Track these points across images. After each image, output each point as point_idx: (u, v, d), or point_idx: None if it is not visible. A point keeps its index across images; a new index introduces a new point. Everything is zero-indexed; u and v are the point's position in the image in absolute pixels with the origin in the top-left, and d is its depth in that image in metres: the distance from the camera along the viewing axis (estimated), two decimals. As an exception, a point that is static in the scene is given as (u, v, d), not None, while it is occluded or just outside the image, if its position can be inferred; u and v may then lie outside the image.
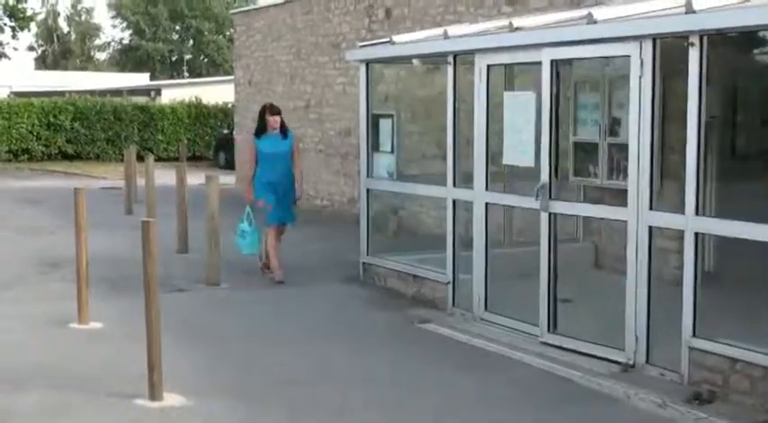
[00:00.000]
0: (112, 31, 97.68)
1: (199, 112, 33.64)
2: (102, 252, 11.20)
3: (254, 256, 10.91)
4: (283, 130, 10.69)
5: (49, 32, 73.61)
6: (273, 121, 10.58)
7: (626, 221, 7.09)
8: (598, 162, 10.07)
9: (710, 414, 6.07)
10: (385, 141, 10.48)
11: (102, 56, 78.49)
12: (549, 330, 7.72)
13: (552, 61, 7.66)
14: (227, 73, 48.25)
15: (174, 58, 74.02)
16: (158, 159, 25.62)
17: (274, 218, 10.63)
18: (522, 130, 8.17)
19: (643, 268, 6.93)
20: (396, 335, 8.27)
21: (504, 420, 6.17)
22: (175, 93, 36.85)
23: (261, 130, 10.67)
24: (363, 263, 10.63)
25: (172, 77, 66.71)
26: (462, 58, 8.97)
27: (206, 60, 73.15)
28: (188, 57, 74.13)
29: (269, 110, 10.70)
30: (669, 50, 7.01)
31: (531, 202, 8.27)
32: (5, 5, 39.11)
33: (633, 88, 6.95)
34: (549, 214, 7.73)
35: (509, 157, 8.50)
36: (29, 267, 11.41)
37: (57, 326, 8.31)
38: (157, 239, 6.35)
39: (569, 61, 8.25)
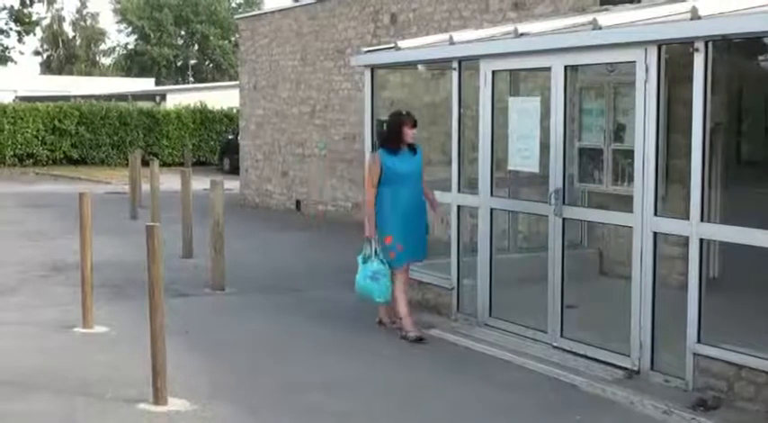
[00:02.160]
0: (118, 36, 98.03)
1: (204, 117, 33.73)
2: (106, 257, 11.22)
3: (387, 304, 8.58)
4: (412, 145, 8.55)
5: (54, 37, 73.75)
6: (411, 135, 8.41)
7: (631, 227, 7.09)
8: (603, 168, 10.07)
9: (715, 420, 6.05)
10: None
11: (107, 61, 78.64)
12: (560, 335, 7.72)
13: (566, 67, 7.67)
14: (232, 78, 48.41)
15: (179, 63, 74.13)
16: (163, 164, 25.70)
17: (404, 257, 8.43)
18: (528, 136, 8.18)
19: (648, 274, 6.92)
20: (400, 341, 8.26)
21: (509, 426, 6.17)
22: (180, 98, 36.95)
23: (393, 143, 8.43)
24: (368, 268, 10.59)
25: (177, 82, 66.82)
26: (467, 64, 8.97)
27: (211, 65, 73.27)
28: (193, 62, 74.23)
29: (408, 120, 8.43)
30: (675, 56, 7.01)
31: (536, 208, 8.28)
32: (11, 10, 39.23)
33: (638, 94, 6.95)
34: (563, 219, 7.74)
35: (514, 163, 8.51)
36: (33, 271, 11.43)
37: (61, 330, 8.32)
38: (162, 244, 6.36)
39: (575, 67, 8.24)
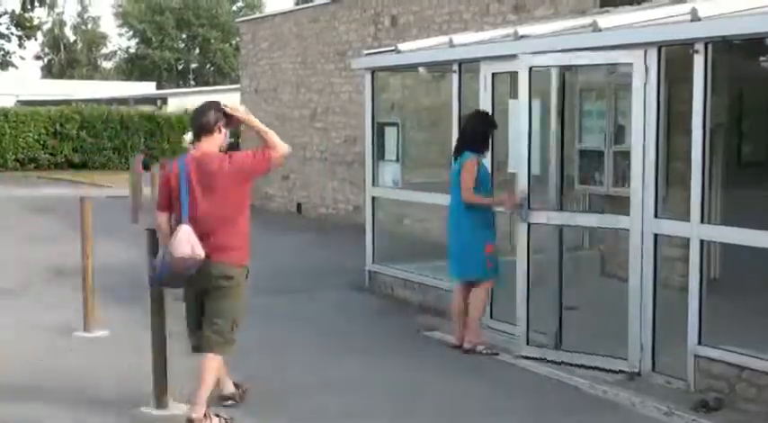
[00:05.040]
0: (119, 40, 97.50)
1: (205, 121, 33.68)
2: (108, 260, 11.20)
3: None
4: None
5: (55, 41, 73.77)
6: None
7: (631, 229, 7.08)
8: (604, 170, 10.07)
9: (717, 422, 6.05)
10: (390, 150, 10.48)
11: (108, 64, 78.69)
12: (559, 340, 7.70)
13: (560, 68, 7.66)
14: (233, 82, 48.32)
15: (180, 67, 74.13)
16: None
17: (498, 269, 7.96)
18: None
19: (648, 276, 6.92)
20: (401, 343, 8.27)
21: (510, 428, 6.17)
22: (182, 101, 36.90)
23: (485, 147, 7.91)
24: (369, 271, 10.62)
25: (178, 86, 66.79)
26: (467, 66, 8.98)
27: (212, 69, 73.28)
28: (194, 65, 74.27)
29: (492, 122, 8.09)
30: (676, 57, 7.01)
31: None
32: (12, 15, 39.28)
33: (638, 95, 6.94)
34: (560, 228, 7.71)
35: (514, 165, 8.50)
36: (35, 275, 11.43)
37: (62, 333, 8.32)
38: (163, 247, 6.35)
39: (575, 69, 8.26)
